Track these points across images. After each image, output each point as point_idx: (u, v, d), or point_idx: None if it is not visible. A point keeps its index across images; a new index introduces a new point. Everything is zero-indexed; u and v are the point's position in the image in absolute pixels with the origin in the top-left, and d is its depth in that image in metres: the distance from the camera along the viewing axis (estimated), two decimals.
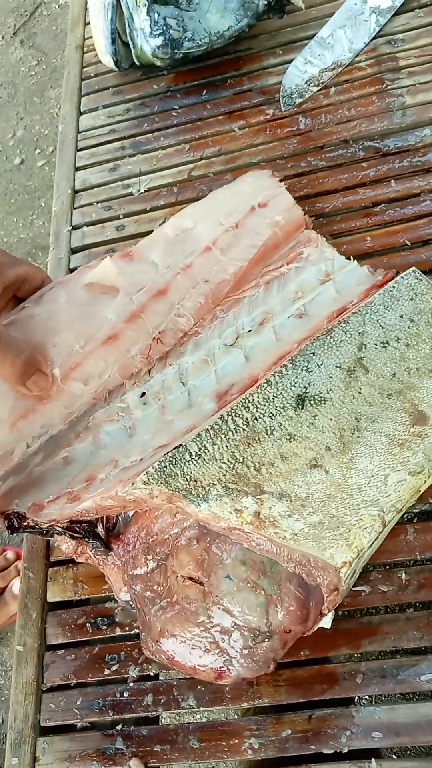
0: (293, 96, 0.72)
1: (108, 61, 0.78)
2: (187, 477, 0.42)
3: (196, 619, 0.42)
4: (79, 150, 0.78)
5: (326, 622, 0.44)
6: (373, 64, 0.71)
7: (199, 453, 0.43)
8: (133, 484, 0.42)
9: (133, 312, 0.53)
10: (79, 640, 0.52)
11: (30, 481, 0.49)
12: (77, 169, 0.77)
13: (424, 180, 0.63)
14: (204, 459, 0.43)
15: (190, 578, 0.43)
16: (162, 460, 0.42)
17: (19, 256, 1.55)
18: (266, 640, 0.42)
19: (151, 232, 0.68)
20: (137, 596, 0.46)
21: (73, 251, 0.71)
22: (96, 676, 0.50)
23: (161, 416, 0.50)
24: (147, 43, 0.74)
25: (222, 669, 0.42)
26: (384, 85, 0.69)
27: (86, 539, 0.48)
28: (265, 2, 0.72)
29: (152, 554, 0.46)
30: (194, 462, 0.43)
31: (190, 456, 0.43)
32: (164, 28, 0.73)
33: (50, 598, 0.54)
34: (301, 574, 0.41)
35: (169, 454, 0.43)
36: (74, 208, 0.74)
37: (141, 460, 0.46)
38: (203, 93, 0.77)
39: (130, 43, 0.76)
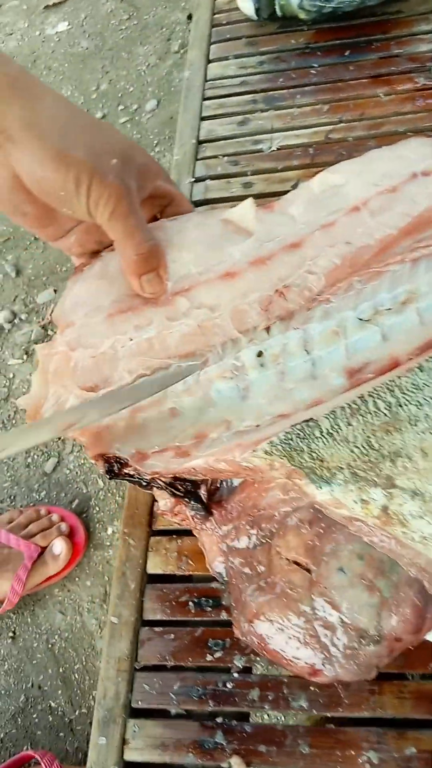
0: None
1: (248, 8, 0.73)
2: (314, 455, 0.39)
3: (298, 607, 0.39)
4: (205, 99, 0.73)
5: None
6: None
7: (330, 431, 0.39)
8: (254, 450, 0.39)
9: (259, 257, 0.49)
10: (179, 618, 0.48)
11: (132, 426, 0.46)
12: (203, 119, 0.72)
13: None
14: (335, 439, 0.39)
15: (297, 563, 0.40)
16: (289, 431, 0.39)
17: None
18: (373, 644, 0.38)
19: (284, 192, 0.64)
20: (234, 570, 0.43)
21: (195, 205, 0.66)
22: (197, 660, 0.47)
23: (280, 382, 0.46)
24: None
25: (318, 666, 0.39)
26: None
27: (187, 499, 0.45)
28: None
29: (257, 529, 0.42)
30: (324, 440, 0.39)
31: (321, 433, 0.39)
32: None
33: (150, 570, 0.50)
34: (423, 580, 0.38)
35: (298, 427, 0.39)
36: (197, 160, 0.69)
37: (258, 426, 0.43)
38: (346, 53, 0.71)
39: None
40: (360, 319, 0.48)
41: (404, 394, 0.41)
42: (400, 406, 0.41)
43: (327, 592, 0.38)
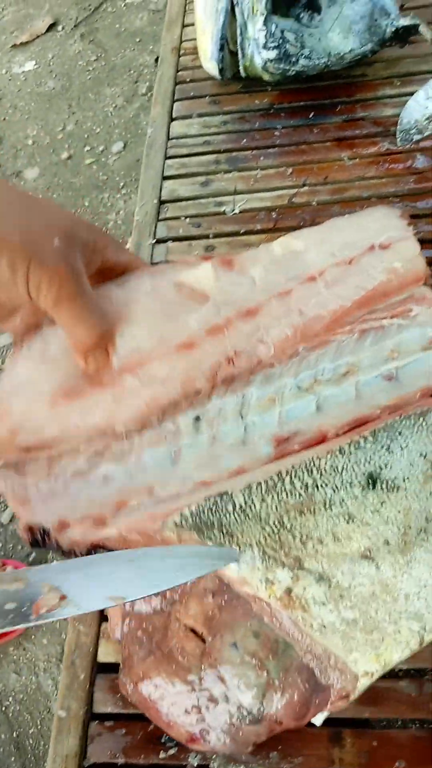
0: (411, 132, 0.67)
1: (212, 67, 0.72)
2: (225, 530, 0.39)
3: (185, 675, 0.39)
4: (168, 158, 0.72)
5: (318, 719, 0.40)
6: None
7: (243, 507, 0.39)
8: (163, 523, 0.39)
9: (216, 325, 0.48)
10: (131, 712, 0.46)
11: (65, 488, 0.45)
12: (165, 178, 0.71)
13: None
14: (248, 515, 0.39)
15: (193, 630, 0.40)
16: (201, 504, 0.39)
17: None
18: (253, 723, 0.38)
19: None
20: (129, 633, 0.42)
21: None
22: (149, 758, 0.44)
23: (210, 447, 0.45)
24: (259, 55, 0.69)
25: (197, 735, 0.39)
26: None
27: None
28: (393, 28, 0.67)
29: (160, 595, 0.42)
30: (236, 515, 0.39)
31: (233, 508, 0.39)
32: (280, 41, 0.68)
33: (101, 658, 0.48)
34: (314, 668, 0.38)
35: (211, 500, 0.39)
36: (159, 220, 0.68)
37: (178, 494, 0.42)
38: (310, 115, 0.71)
39: (240, 52, 0.70)
40: (299, 387, 0.48)
41: (322, 475, 0.41)
42: (317, 487, 0.41)
43: (216, 665, 0.38)
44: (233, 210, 0.67)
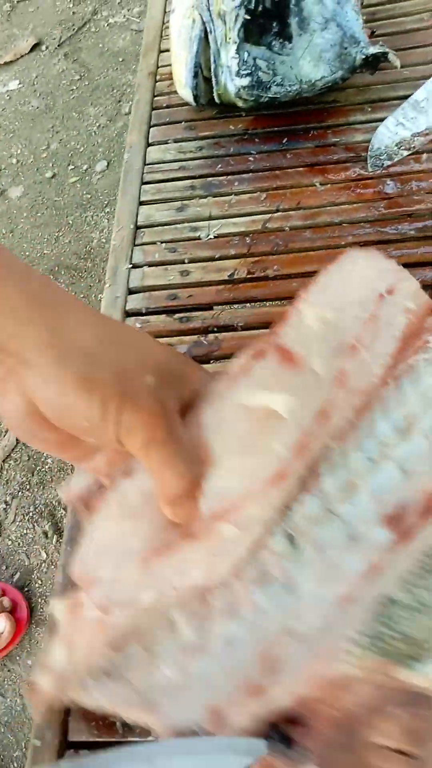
0: (382, 157, 0.68)
1: (186, 94, 0.73)
2: (409, 639, 0.35)
3: None
4: (144, 183, 0.73)
5: None
6: None
7: (413, 605, 0.36)
8: (338, 661, 0.34)
9: (301, 442, 0.43)
10: (106, 740, 0.46)
11: (184, 674, 0.39)
12: (141, 203, 0.72)
13: None
14: (421, 611, 0.35)
15: (399, 751, 0.35)
16: (372, 622, 0.35)
17: (42, 272, 1.50)
18: None
19: (220, 281, 0.64)
20: None
21: (131, 291, 0.66)
22: None
23: (321, 556, 0.40)
24: (232, 82, 0.70)
25: None
26: None
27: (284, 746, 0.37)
28: (363, 56, 0.69)
29: (344, 733, 0.36)
30: (409, 616, 0.35)
31: (402, 610, 0.35)
32: (253, 68, 0.69)
33: None
34: None
35: (378, 613, 0.35)
36: (135, 245, 0.69)
37: (325, 620, 0.38)
38: (283, 141, 0.72)
39: (213, 79, 0.71)
40: (369, 459, 0.44)
41: None
42: None
43: None
44: (208, 235, 0.68)
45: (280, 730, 0.36)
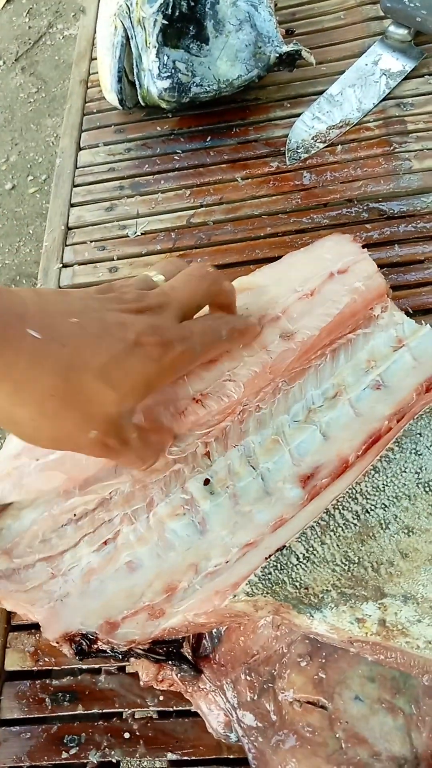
0: (299, 150, 0.71)
1: (113, 98, 0.76)
2: (297, 584, 0.37)
3: (325, 751, 0.37)
4: (75, 186, 0.76)
5: None
6: (381, 126, 0.70)
7: (307, 555, 0.38)
8: (234, 595, 0.37)
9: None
10: (36, 716, 0.48)
11: (88, 593, 0.43)
12: (72, 205, 0.74)
13: (429, 246, 0.62)
14: (314, 562, 0.38)
15: (309, 702, 0.38)
16: (265, 565, 0.37)
17: (3, 283, 1.52)
18: None
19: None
20: (245, 728, 0.40)
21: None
22: (52, 759, 0.46)
23: (235, 507, 0.44)
24: (154, 85, 0.72)
25: None
26: (391, 148, 0.68)
27: (171, 662, 0.41)
28: (277, 55, 0.72)
29: (256, 676, 0.40)
30: (303, 566, 0.38)
31: (298, 559, 0.38)
32: (173, 71, 0.71)
33: (8, 667, 0.50)
34: None
35: (273, 558, 0.38)
36: (66, 245, 0.71)
37: (227, 562, 0.41)
38: (207, 139, 0.75)
39: (137, 83, 0.74)
40: (296, 421, 0.47)
41: (368, 499, 0.40)
42: (367, 512, 0.40)
43: (350, 727, 0.36)
44: (135, 232, 0.70)
45: (184, 655, 0.40)
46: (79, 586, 0.43)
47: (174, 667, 0.42)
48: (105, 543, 0.45)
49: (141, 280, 0.45)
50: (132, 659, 0.42)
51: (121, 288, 0.44)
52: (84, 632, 0.40)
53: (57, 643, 0.41)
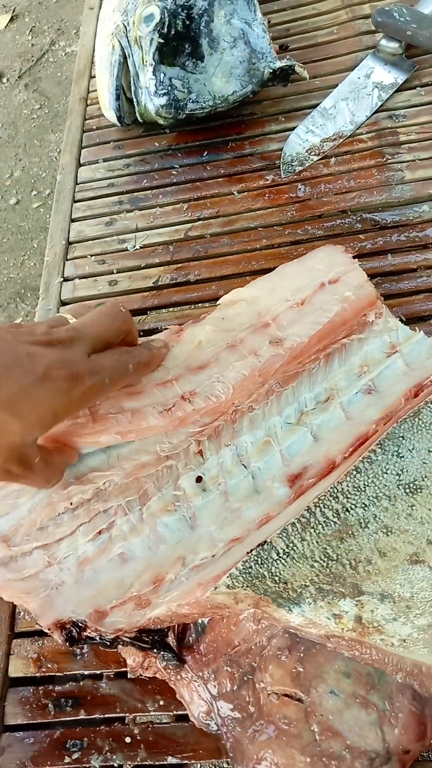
0: (293, 163, 0.72)
1: (111, 116, 0.78)
2: (276, 578, 0.38)
3: (300, 743, 0.37)
4: (76, 201, 0.77)
5: None
6: (374, 138, 0.72)
7: (287, 551, 0.39)
8: (215, 588, 0.38)
9: (164, 379, 0.50)
10: (39, 721, 0.49)
11: (82, 582, 0.45)
12: (73, 220, 0.76)
13: (421, 255, 0.63)
14: (293, 557, 0.39)
15: (286, 695, 0.39)
16: (246, 559, 0.39)
17: (8, 296, 1.54)
18: (385, 764, 0.37)
19: (146, 288, 0.67)
20: (224, 718, 0.41)
21: (63, 303, 0.70)
22: (55, 764, 0.47)
23: (225, 503, 0.46)
24: (151, 102, 0.74)
25: None
26: (384, 159, 0.70)
27: (156, 650, 0.43)
28: (270, 71, 0.73)
29: (236, 667, 0.41)
30: (282, 560, 0.39)
31: (278, 554, 0.39)
32: (169, 88, 0.73)
33: (12, 673, 0.51)
34: (412, 684, 0.37)
35: (254, 553, 0.39)
36: (67, 260, 0.73)
37: (213, 556, 0.42)
38: (204, 154, 0.77)
39: (135, 100, 0.76)
40: (288, 423, 0.49)
41: (348, 498, 0.41)
42: (347, 510, 0.41)
43: (325, 720, 0.37)
44: (135, 246, 0.72)
45: (169, 644, 0.42)
46: (74, 574, 0.45)
47: (159, 656, 0.43)
48: (99, 533, 0.46)
49: (54, 319, 0.47)
50: (119, 646, 0.44)
51: (34, 324, 0.45)
52: (74, 620, 0.42)
53: (49, 629, 0.42)
